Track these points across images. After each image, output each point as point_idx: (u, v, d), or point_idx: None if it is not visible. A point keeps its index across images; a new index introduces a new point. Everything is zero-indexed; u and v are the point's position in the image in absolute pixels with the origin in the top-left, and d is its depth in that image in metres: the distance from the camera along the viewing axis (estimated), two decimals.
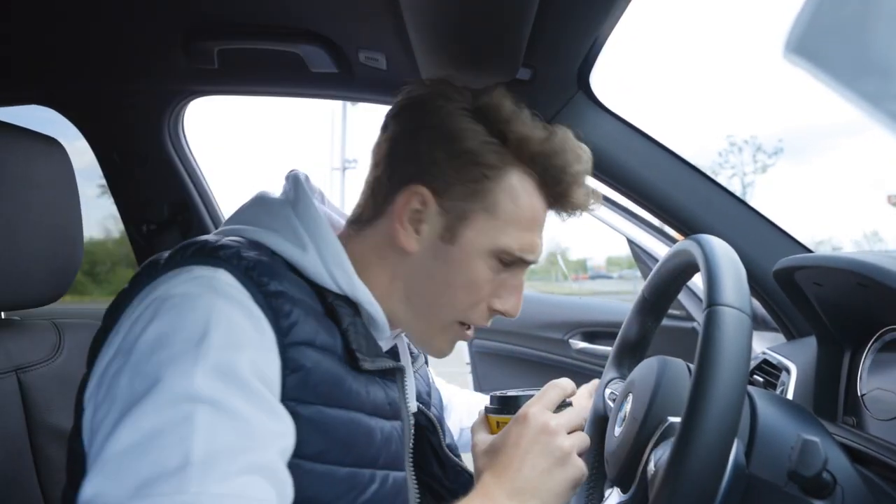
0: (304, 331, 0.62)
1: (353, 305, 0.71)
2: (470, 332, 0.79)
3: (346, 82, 1.19)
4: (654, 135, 1.24)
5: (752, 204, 1.27)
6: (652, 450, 0.65)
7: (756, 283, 1.20)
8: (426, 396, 0.89)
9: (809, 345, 1.01)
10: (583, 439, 0.69)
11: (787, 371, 1.04)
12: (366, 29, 0.96)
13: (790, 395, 0.97)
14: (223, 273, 0.60)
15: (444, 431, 0.89)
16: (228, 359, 0.54)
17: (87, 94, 1.24)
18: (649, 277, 0.85)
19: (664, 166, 1.26)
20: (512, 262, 0.74)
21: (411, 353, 0.89)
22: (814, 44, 0.41)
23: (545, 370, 2.16)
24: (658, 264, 0.82)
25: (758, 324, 1.34)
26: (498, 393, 0.77)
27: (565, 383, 0.73)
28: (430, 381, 0.97)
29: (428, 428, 0.87)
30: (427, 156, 0.72)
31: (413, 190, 0.72)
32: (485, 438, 0.72)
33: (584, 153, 0.76)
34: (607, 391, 0.90)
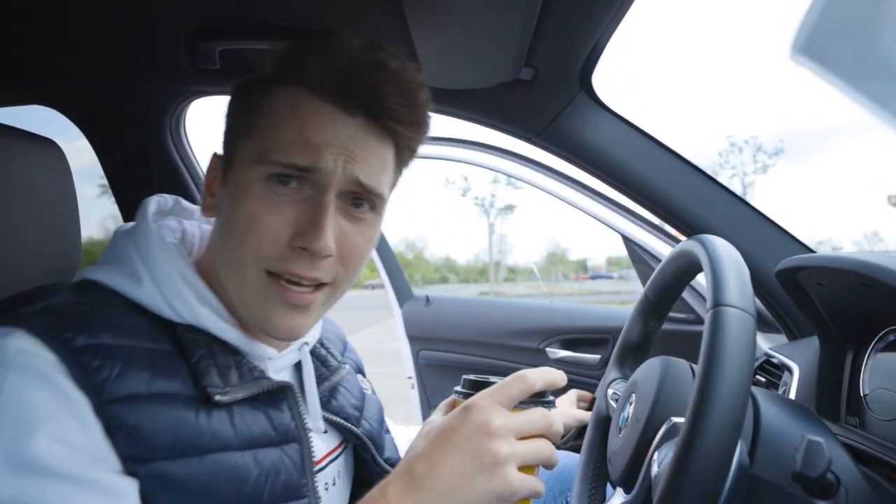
0: (125, 384, 0.56)
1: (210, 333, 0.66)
2: (301, 296, 0.66)
3: None
4: (655, 135, 1.24)
5: (753, 204, 1.27)
6: (655, 450, 0.65)
7: (758, 284, 1.20)
8: (353, 410, 0.82)
9: (811, 345, 1.01)
10: (533, 451, 0.57)
11: (790, 371, 1.04)
12: (368, 29, 0.96)
13: (792, 396, 0.97)
14: (18, 337, 0.54)
15: (379, 446, 0.83)
16: (22, 448, 0.50)
17: (89, 95, 1.24)
18: (652, 277, 0.85)
19: (666, 166, 1.26)
20: (289, 176, 0.63)
21: (328, 366, 0.83)
22: (821, 44, 0.41)
23: None
24: (661, 264, 0.82)
25: (766, 325, 1.34)
26: (473, 375, 0.67)
27: (534, 378, 0.59)
28: (365, 392, 0.89)
29: (357, 444, 0.81)
30: (225, 129, 0.72)
31: (211, 160, 0.72)
32: (434, 419, 0.65)
33: (353, 45, 0.64)
34: (610, 392, 0.90)
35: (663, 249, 1.51)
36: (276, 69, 0.67)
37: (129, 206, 1.40)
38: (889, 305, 0.77)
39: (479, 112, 1.24)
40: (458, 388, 0.66)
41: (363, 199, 0.67)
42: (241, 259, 0.65)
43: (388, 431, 0.91)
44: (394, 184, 0.74)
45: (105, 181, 1.33)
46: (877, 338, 0.83)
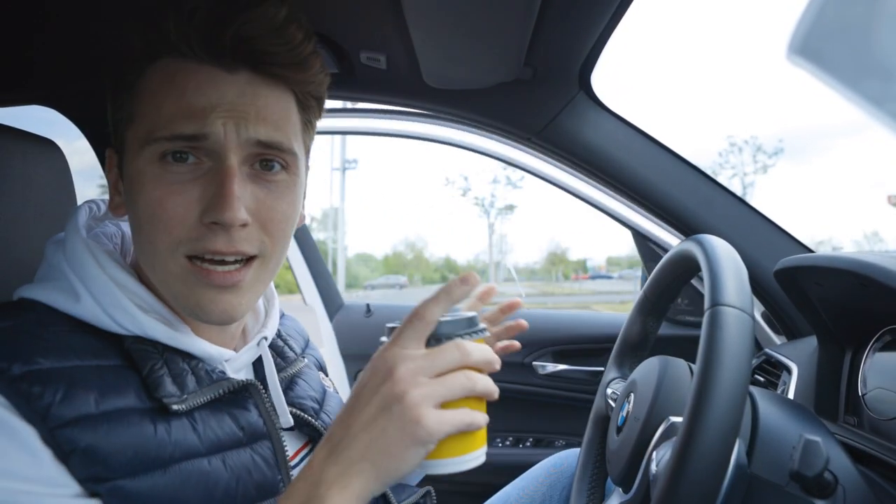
0: (72, 406, 0.54)
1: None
2: (226, 275, 0.62)
3: (346, 82, 1.19)
4: (654, 135, 1.24)
5: (752, 204, 1.28)
6: (654, 449, 0.65)
7: (757, 284, 1.20)
8: (311, 402, 0.79)
9: (810, 344, 1.01)
10: (450, 386, 0.52)
11: (788, 371, 1.04)
12: (368, 29, 0.96)
13: (791, 395, 0.98)
14: None
15: None
16: None
17: (89, 95, 1.23)
18: (650, 277, 0.85)
19: (665, 166, 1.26)
20: (183, 152, 0.60)
21: (285, 358, 0.81)
22: (817, 45, 0.41)
23: (497, 405, 1.69)
24: (659, 264, 0.83)
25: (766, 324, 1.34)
26: (395, 324, 0.60)
27: (430, 309, 0.54)
28: (327, 389, 0.86)
29: (314, 438, 0.77)
30: (109, 121, 0.67)
31: (107, 158, 0.69)
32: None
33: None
34: (608, 391, 0.90)
35: (672, 241, 1.42)
36: (141, 46, 0.62)
37: None
38: (887, 305, 0.78)
39: (478, 112, 1.24)
40: (383, 337, 0.61)
41: (272, 160, 0.63)
42: (155, 249, 0.61)
43: None
44: (307, 137, 0.70)
45: (105, 181, 1.33)
46: (875, 337, 0.83)
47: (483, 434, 0.57)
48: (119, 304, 0.61)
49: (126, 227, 0.74)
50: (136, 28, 0.63)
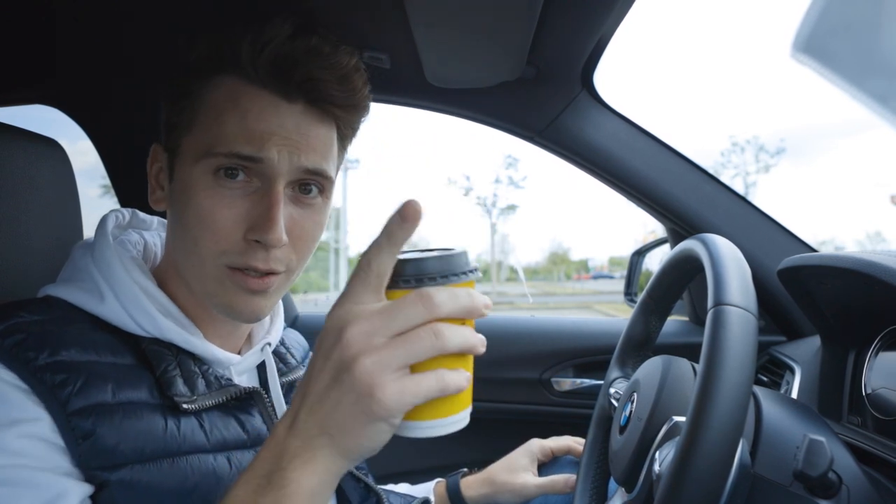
0: (89, 395, 0.57)
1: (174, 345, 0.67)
2: (259, 281, 0.66)
3: None
4: (657, 134, 1.24)
5: (755, 203, 1.27)
6: (657, 449, 0.65)
7: (760, 283, 1.20)
8: None
9: (813, 344, 1.01)
10: (409, 349, 0.42)
11: (792, 370, 1.04)
12: (370, 29, 0.96)
13: (794, 395, 0.97)
14: None
15: None
16: None
17: (91, 94, 1.24)
18: (653, 276, 0.85)
19: (668, 165, 1.26)
20: (235, 168, 0.64)
21: (286, 363, 0.84)
22: (823, 41, 0.41)
23: (511, 431, 1.31)
24: (662, 263, 0.82)
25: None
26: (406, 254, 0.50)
27: (378, 257, 0.44)
28: None
29: None
30: (163, 121, 0.71)
31: (152, 151, 0.72)
32: None
33: (284, 31, 0.64)
34: (612, 390, 0.90)
35: None
36: (210, 59, 0.66)
37: (131, 206, 1.40)
38: (891, 304, 0.77)
39: (480, 111, 1.24)
40: None
41: (311, 184, 0.68)
42: (199, 254, 0.65)
43: None
44: (339, 163, 0.75)
45: (107, 181, 1.33)
46: (879, 337, 0.83)
47: (468, 394, 0.47)
48: (142, 307, 0.65)
49: (148, 236, 0.78)
50: (207, 40, 0.67)
